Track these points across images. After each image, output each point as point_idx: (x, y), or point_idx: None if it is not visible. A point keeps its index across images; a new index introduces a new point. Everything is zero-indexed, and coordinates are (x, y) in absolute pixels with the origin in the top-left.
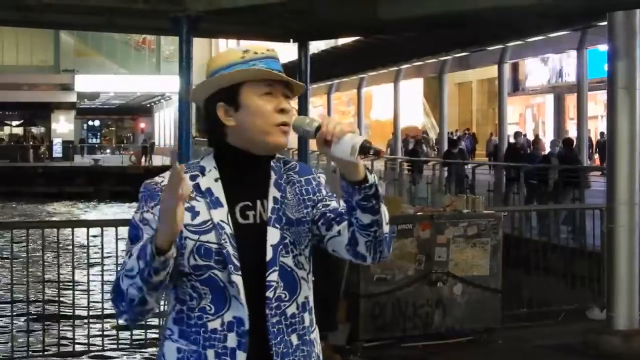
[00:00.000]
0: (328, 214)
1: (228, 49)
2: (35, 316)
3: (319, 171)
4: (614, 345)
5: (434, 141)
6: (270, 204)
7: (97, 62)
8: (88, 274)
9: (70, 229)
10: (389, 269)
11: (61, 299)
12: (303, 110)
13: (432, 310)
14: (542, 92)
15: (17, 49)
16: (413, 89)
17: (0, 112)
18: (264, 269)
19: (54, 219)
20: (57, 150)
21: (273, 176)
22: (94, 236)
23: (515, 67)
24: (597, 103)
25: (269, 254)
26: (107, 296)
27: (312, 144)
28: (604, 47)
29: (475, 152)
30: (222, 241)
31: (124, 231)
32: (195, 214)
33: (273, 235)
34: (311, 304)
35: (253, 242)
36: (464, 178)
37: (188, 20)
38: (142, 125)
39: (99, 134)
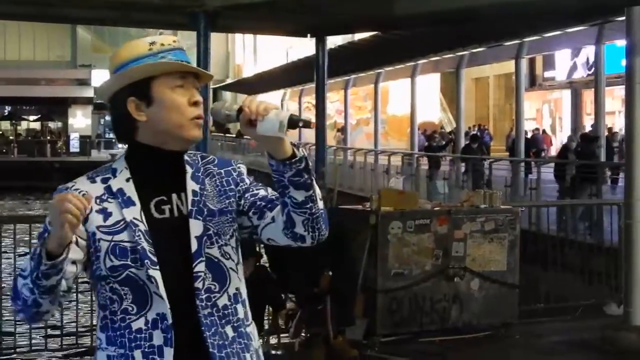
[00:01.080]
0: (258, 202)
1: (132, 41)
2: None
3: (239, 162)
4: (631, 340)
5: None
6: (190, 197)
7: None
8: None
9: None
10: (407, 264)
11: None
12: (320, 105)
13: (450, 306)
14: (559, 88)
15: (34, 44)
16: (430, 84)
17: (17, 107)
18: (188, 262)
19: None
20: (74, 145)
21: (189, 170)
22: None
23: (532, 62)
24: (614, 98)
25: (194, 246)
26: None
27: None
28: (621, 42)
29: (490, 147)
30: (137, 238)
31: None
32: (107, 215)
33: (196, 226)
34: (244, 296)
35: (172, 236)
36: (482, 173)
37: (205, 15)
38: None
39: None
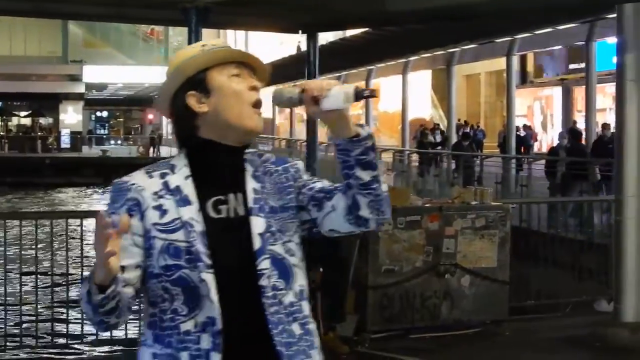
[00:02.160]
0: (317, 194)
1: (185, 47)
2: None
3: (296, 159)
4: (621, 337)
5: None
6: (251, 195)
7: (105, 53)
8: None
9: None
10: (397, 261)
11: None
12: None
13: (440, 302)
14: (550, 85)
15: (25, 39)
16: (421, 80)
17: (8, 102)
18: (250, 260)
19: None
20: (65, 141)
21: (249, 169)
22: None
23: (523, 59)
24: (605, 95)
25: (257, 243)
26: None
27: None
28: (612, 40)
29: (483, 144)
30: (192, 239)
31: None
32: (163, 212)
33: (258, 224)
34: (306, 293)
35: (229, 237)
36: (473, 170)
37: (197, 11)
38: (150, 116)
39: (107, 125)
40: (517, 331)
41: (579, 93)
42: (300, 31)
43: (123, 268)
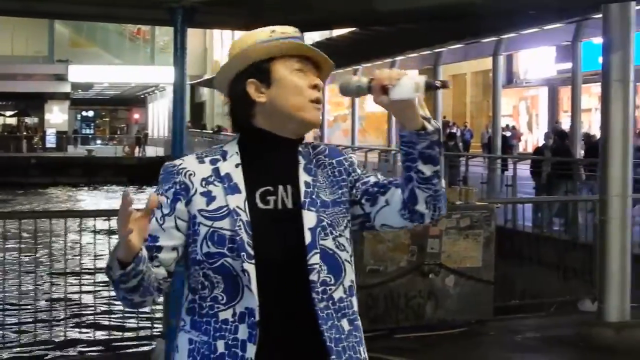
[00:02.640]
0: (370, 189)
1: (254, 30)
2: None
3: (349, 153)
4: (605, 337)
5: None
6: (303, 188)
7: (92, 52)
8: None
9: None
10: (382, 261)
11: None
12: None
13: (425, 302)
14: (536, 85)
15: (11, 39)
16: None
17: None
18: (298, 254)
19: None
20: (51, 141)
21: (302, 161)
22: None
23: (509, 60)
24: (591, 96)
25: (308, 237)
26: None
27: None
28: (598, 40)
29: (470, 145)
30: (237, 228)
31: None
32: (211, 199)
33: (309, 218)
34: (356, 288)
35: (274, 228)
36: (458, 170)
37: (183, 11)
38: (136, 116)
39: (92, 124)
40: (501, 331)
41: (565, 93)
42: None
43: (160, 248)
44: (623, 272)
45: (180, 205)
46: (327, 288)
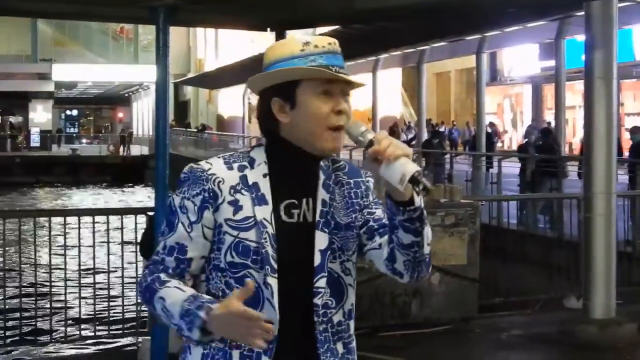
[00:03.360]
0: (371, 223)
1: (288, 39)
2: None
3: (368, 174)
4: (590, 334)
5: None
6: (319, 207)
7: (75, 51)
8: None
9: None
10: None
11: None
12: None
13: (410, 300)
14: (520, 82)
15: None
16: (391, 78)
17: None
18: (309, 273)
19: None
20: (35, 140)
21: (322, 177)
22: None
23: (493, 57)
24: (574, 93)
25: (317, 259)
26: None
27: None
28: (581, 38)
29: (458, 143)
30: (262, 240)
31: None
32: (238, 208)
33: (321, 239)
34: (354, 311)
35: (296, 243)
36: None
37: (165, 9)
38: (120, 114)
39: (77, 123)
40: (486, 328)
41: (549, 91)
42: (268, 29)
43: (190, 260)
44: (608, 270)
45: (208, 214)
46: (328, 311)
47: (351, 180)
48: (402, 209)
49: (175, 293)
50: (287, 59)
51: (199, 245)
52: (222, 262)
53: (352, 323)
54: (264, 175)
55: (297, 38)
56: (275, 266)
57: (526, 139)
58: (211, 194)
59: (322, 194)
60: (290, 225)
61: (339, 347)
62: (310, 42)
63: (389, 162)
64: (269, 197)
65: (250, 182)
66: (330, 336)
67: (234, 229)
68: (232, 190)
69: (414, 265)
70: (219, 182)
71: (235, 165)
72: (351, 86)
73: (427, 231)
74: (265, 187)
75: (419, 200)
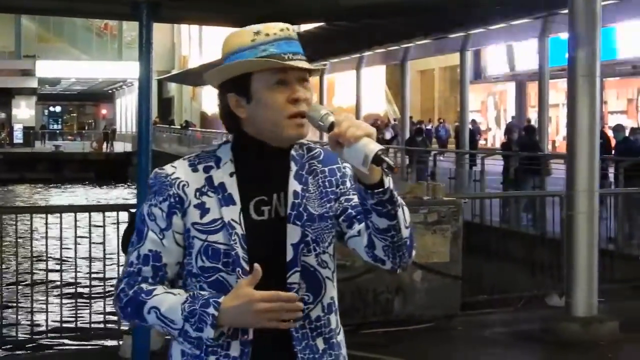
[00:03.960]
0: (349, 210)
1: (240, 29)
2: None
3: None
4: (572, 331)
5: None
6: (290, 199)
7: (59, 48)
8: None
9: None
10: (349, 256)
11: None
12: None
13: (392, 297)
14: (504, 80)
15: None
16: (375, 76)
17: None
18: (283, 270)
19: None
20: (18, 137)
21: (293, 167)
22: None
23: (477, 55)
24: (558, 91)
25: (290, 254)
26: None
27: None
28: (565, 36)
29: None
30: (232, 242)
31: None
32: (205, 211)
33: (293, 233)
34: (337, 304)
35: (268, 240)
36: (426, 165)
37: (148, 5)
38: (104, 111)
39: (60, 120)
40: (469, 326)
41: (532, 89)
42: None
43: (165, 266)
44: (590, 267)
45: (177, 219)
46: (305, 307)
47: (326, 169)
48: (370, 192)
49: (169, 298)
50: (238, 51)
51: (172, 251)
52: (194, 267)
53: (333, 317)
54: (231, 175)
55: (248, 28)
56: (247, 267)
57: (506, 136)
58: (177, 198)
59: (293, 185)
60: (261, 223)
61: (319, 343)
62: (261, 30)
63: (351, 144)
64: (236, 197)
65: (216, 183)
66: (308, 332)
67: (202, 232)
68: (197, 193)
69: (394, 250)
70: (183, 185)
71: (201, 167)
72: (310, 72)
73: (402, 213)
74: (232, 186)
75: (387, 182)
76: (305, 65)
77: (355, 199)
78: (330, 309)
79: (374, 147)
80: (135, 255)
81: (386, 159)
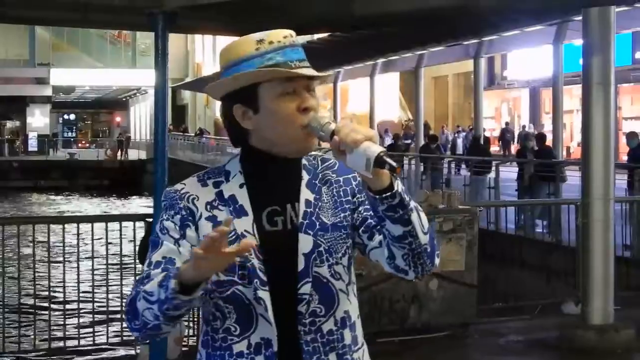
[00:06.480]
0: (369, 220)
1: (242, 38)
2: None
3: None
4: (588, 339)
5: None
6: (302, 208)
7: (73, 56)
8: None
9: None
10: (365, 265)
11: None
12: None
13: (408, 306)
14: (518, 87)
15: None
16: (389, 83)
17: None
18: (295, 280)
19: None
20: (33, 144)
21: (305, 176)
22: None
23: (491, 62)
24: (572, 97)
25: (301, 264)
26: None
27: None
28: (579, 42)
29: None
30: (247, 254)
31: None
32: (216, 224)
33: (305, 242)
34: (353, 319)
35: (283, 251)
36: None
37: (164, 16)
38: (118, 119)
39: (74, 127)
40: (485, 334)
41: (547, 95)
42: None
43: (177, 269)
44: (606, 275)
45: (190, 232)
46: (316, 320)
47: (340, 178)
48: (378, 197)
49: (152, 281)
50: (241, 61)
51: (187, 258)
52: (209, 283)
53: (347, 332)
54: (241, 186)
55: (250, 36)
56: (265, 278)
57: (518, 144)
58: (188, 211)
59: (305, 194)
60: (274, 233)
61: (332, 358)
62: (265, 38)
63: (352, 150)
64: (248, 208)
65: (226, 196)
66: (320, 347)
67: None
68: (208, 206)
69: (414, 259)
70: (193, 199)
71: (210, 182)
72: (316, 80)
73: (418, 218)
74: (242, 197)
75: (396, 185)
76: (316, 73)
77: None
78: (344, 323)
79: (375, 149)
80: (147, 263)
81: (388, 160)
